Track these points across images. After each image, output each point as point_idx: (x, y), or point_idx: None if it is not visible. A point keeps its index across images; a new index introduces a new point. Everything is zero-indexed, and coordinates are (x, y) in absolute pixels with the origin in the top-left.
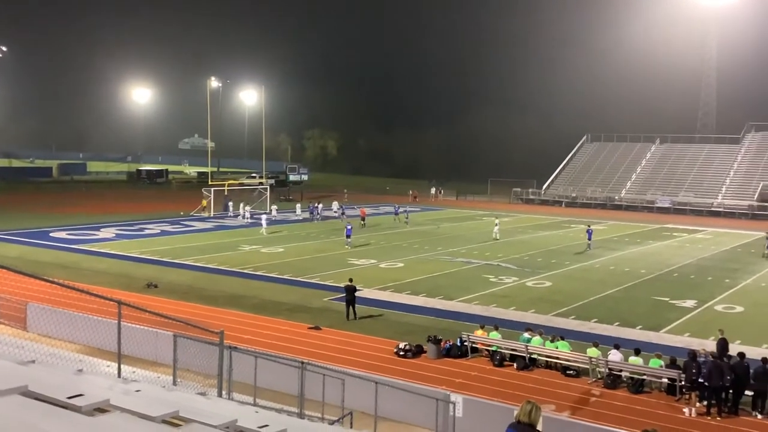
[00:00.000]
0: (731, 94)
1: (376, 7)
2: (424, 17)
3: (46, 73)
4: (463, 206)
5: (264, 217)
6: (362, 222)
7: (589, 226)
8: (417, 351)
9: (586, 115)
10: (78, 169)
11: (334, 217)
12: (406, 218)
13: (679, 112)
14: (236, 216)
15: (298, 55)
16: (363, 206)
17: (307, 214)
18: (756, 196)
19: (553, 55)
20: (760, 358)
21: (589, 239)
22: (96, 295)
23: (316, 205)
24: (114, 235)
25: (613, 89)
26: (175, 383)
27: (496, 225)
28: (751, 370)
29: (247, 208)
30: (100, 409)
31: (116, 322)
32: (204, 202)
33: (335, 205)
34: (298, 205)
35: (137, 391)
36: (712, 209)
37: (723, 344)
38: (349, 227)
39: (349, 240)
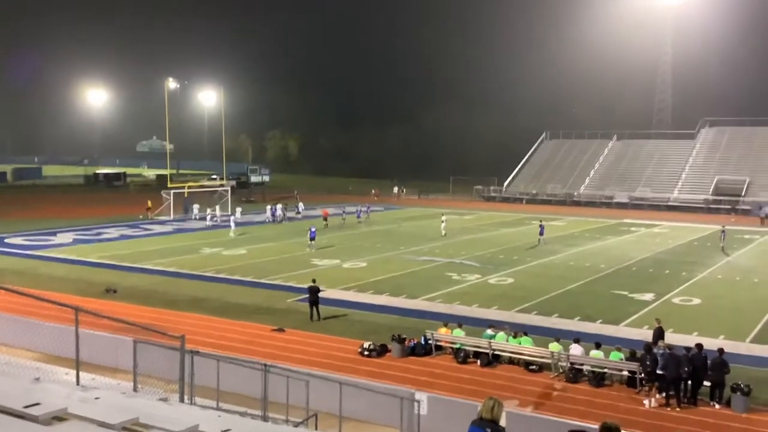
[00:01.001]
0: (686, 90)
1: (335, 6)
2: (384, 15)
3: None
4: (426, 205)
5: (232, 218)
6: (325, 222)
7: (541, 221)
8: (381, 350)
9: (544, 112)
10: (33, 174)
11: (298, 219)
12: (359, 219)
13: (636, 109)
14: (202, 218)
15: (257, 56)
16: (325, 207)
17: (275, 213)
18: (711, 190)
19: (511, 54)
20: (716, 348)
21: (541, 234)
22: (52, 302)
23: (275, 205)
24: (72, 240)
25: (571, 86)
26: (135, 389)
27: (443, 222)
28: (709, 361)
29: (210, 210)
30: (58, 418)
31: (74, 328)
32: (149, 203)
33: (301, 206)
34: (269, 207)
35: (96, 398)
36: (669, 204)
37: (659, 333)
38: (312, 229)
39: (312, 242)
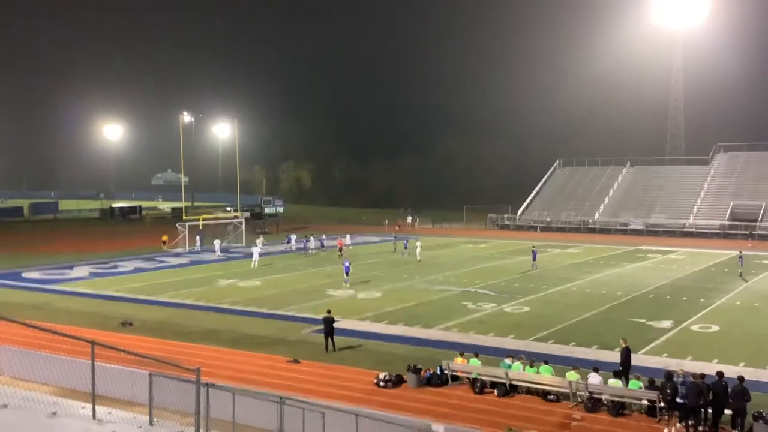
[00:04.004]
0: (699, 116)
1: (348, 39)
2: (395, 47)
3: (15, 111)
4: (440, 234)
5: (256, 249)
6: (339, 253)
7: (533, 247)
8: (397, 381)
9: (557, 140)
10: (50, 208)
11: (332, 246)
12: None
13: (649, 135)
14: (224, 251)
15: (270, 88)
16: (340, 237)
17: (306, 245)
18: (727, 216)
19: (523, 82)
20: (736, 376)
21: (534, 260)
22: (68, 336)
23: (307, 237)
24: (88, 273)
25: (583, 114)
26: (151, 423)
27: (418, 247)
28: (729, 389)
29: (216, 241)
30: None
31: (90, 362)
32: (164, 237)
33: (348, 237)
34: (304, 238)
35: None
36: (685, 230)
37: (626, 354)
38: (346, 263)
39: (347, 278)
